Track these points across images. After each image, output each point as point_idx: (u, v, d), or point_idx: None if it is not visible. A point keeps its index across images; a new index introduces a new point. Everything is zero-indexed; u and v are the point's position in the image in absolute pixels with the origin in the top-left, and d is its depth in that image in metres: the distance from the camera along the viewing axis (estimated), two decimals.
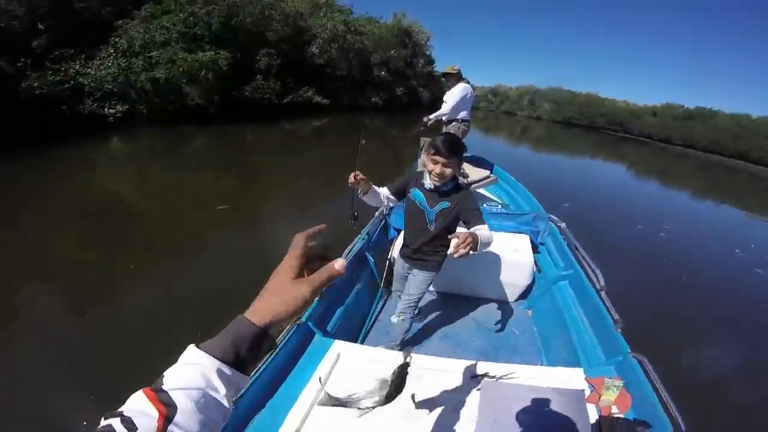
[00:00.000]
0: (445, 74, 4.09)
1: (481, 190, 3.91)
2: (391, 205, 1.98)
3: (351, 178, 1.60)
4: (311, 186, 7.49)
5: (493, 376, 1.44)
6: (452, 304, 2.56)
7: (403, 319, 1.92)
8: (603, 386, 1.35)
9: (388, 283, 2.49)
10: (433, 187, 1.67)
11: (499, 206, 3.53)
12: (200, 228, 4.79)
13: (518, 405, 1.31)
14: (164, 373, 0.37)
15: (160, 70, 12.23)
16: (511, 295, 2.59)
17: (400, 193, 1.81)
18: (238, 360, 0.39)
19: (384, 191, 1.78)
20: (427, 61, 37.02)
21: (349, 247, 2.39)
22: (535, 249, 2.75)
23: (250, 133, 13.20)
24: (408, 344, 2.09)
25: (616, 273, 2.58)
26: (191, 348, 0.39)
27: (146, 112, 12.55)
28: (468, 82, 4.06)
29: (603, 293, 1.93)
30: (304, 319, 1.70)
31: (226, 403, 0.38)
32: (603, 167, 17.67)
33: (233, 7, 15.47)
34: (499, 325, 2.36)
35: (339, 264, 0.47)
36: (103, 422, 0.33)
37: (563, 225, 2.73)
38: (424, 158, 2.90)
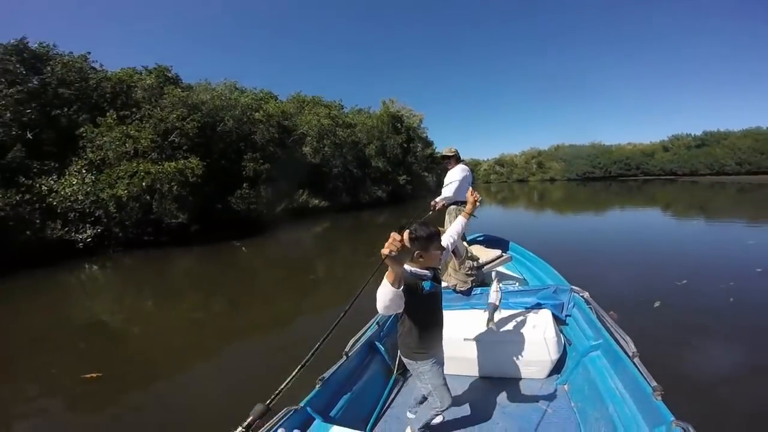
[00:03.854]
0: (443, 156, 4.11)
1: (499, 269, 3.76)
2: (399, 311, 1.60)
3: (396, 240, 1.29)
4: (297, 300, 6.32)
5: None
6: (476, 387, 2.50)
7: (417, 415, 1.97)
8: None
9: (404, 369, 2.44)
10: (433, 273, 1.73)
11: (516, 283, 3.49)
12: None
13: None
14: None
15: (121, 186, 10.68)
16: (541, 371, 2.51)
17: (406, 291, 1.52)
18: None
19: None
20: (425, 144, 37.56)
21: (357, 336, 2.37)
22: (562, 322, 2.81)
23: (241, 249, 11.51)
24: None
25: None
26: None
27: (122, 234, 11.08)
28: (465, 163, 4.07)
29: (637, 360, 1.91)
30: (302, 404, 1.71)
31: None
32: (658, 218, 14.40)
33: (214, 111, 14.63)
34: (528, 404, 2.29)
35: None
36: None
37: (586, 294, 2.75)
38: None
